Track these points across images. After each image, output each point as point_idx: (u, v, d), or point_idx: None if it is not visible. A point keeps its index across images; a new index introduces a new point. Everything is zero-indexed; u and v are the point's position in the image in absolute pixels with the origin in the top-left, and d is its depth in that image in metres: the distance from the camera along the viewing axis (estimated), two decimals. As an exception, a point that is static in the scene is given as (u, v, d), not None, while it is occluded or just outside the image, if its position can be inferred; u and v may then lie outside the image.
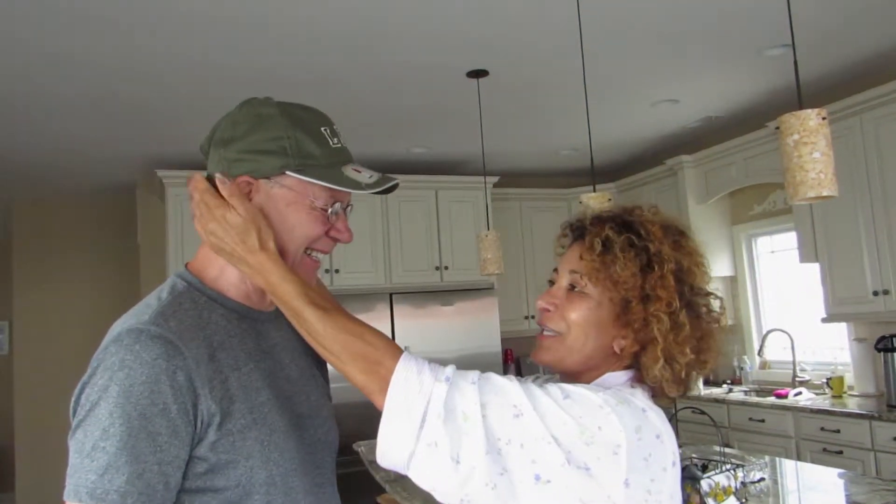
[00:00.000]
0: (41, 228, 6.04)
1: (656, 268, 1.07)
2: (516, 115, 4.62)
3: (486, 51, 3.51)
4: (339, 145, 1.12)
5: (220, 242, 1.05)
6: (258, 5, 2.87)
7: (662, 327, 1.05)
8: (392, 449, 0.94)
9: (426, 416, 0.92)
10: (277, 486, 1.02)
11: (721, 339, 1.12)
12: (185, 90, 3.76)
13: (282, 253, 1.07)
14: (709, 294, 1.12)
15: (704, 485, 1.88)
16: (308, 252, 1.11)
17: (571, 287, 1.12)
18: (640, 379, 1.10)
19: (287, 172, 1.07)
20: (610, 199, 2.59)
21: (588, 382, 1.08)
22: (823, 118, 1.64)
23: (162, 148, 4.74)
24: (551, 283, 1.17)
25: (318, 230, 1.09)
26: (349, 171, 1.09)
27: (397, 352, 0.99)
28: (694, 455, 2.50)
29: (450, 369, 0.98)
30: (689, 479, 1.85)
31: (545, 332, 1.12)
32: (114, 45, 3.16)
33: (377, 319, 4.92)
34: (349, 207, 1.14)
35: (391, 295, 5.11)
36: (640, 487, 0.94)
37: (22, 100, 3.75)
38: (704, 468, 2.06)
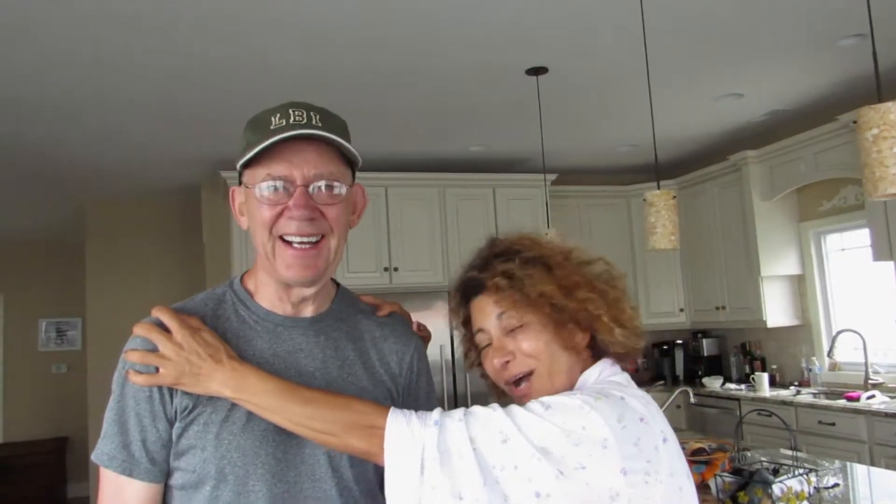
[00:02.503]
0: (112, 228, 6.25)
1: (552, 265, 1.15)
2: (576, 112, 4.57)
3: (546, 48, 3.48)
4: (283, 124, 1.07)
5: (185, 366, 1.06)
6: (315, 8, 2.91)
7: (597, 302, 1.12)
8: (401, 501, 0.98)
9: (423, 462, 0.97)
10: (229, 483, 1.07)
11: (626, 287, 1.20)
12: (243, 93, 3.83)
13: (258, 246, 1.13)
14: (597, 259, 1.20)
15: (776, 489, 1.82)
16: (283, 238, 1.09)
17: (509, 331, 1.15)
18: (612, 363, 1.16)
19: (238, 169, 1.14)
20: (674, 197, 2.54)
21: (572, 388, 1.13)
22: (905, 110, 1.57)
23: (224, 149, 4.85)
24: (488, 346, 1.19)
25: (266, 213, 1.09)
26: (267, 141, 1.05)
27: (384, 410, 1.03)
28: (763, 459, 2.43)
29: (437, 413, 1.02)
30: (761, 482, 1.80)
31: (518, 385, 1.14)
32: (173, 52, 3.26)
33: (435, 318, 4.93)
34: (319, 183, 1.09)
35: (449, 293, 5.11)
36: (637, 472, 0.97)
37: (91, 105, 3.89)
38: (776, 472, 2.00)
